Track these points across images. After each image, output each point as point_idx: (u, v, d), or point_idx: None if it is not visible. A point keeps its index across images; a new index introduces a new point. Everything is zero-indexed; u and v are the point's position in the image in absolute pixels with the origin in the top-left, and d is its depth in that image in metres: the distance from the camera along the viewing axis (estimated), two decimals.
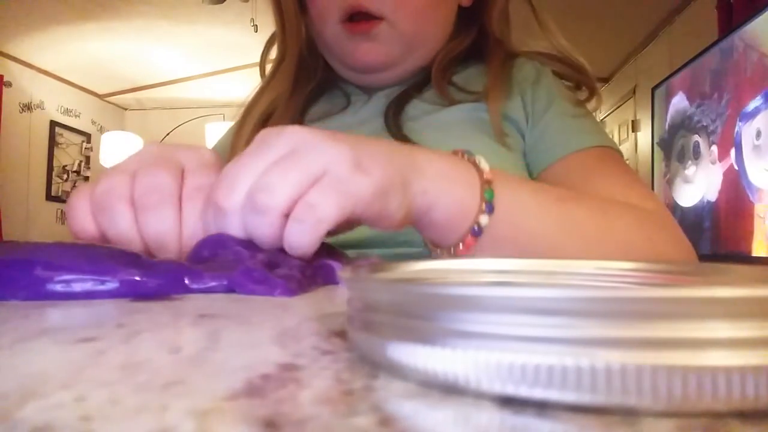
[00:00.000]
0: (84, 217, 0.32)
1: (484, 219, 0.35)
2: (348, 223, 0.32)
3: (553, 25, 0.63)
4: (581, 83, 0.64)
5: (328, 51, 0.65)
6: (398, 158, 0.33)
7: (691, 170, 2.11)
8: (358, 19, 0.57)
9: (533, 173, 0.57)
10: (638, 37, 3.27)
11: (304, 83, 0.69)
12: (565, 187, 0.47)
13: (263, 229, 0.29)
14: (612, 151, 0.56)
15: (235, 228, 0.30)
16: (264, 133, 0.32)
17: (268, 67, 0.71)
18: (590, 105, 0.62)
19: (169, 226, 0.31)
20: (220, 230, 0.30)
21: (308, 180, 0.29)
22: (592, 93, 0.62)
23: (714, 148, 1.92)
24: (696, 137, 2.06)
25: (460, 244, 0.36)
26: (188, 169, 0.34)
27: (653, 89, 2.51)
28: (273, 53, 0.70)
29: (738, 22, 1.89)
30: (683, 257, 0.45)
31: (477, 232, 0.35)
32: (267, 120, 0.65)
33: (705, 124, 1.98)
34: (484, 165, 0.36)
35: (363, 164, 0.30)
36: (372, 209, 0.31)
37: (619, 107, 3.75)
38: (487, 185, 0.35)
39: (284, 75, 0.66)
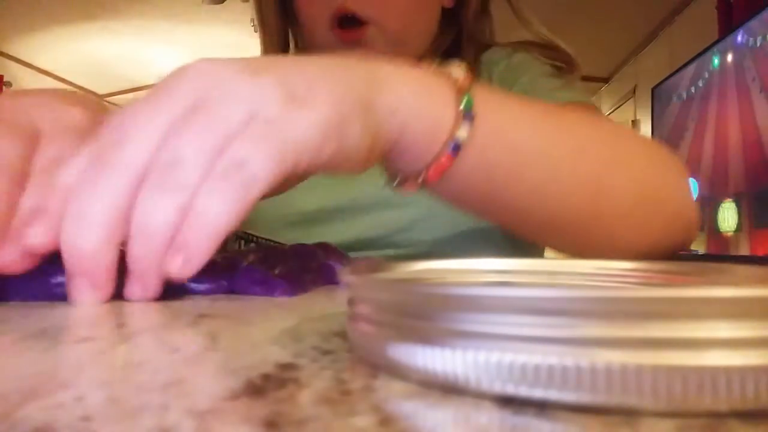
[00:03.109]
0: None
1: (463, 131, 0.28)
2: (295, 178, 0.24)
3: (529, 13, 0.62)
4: (559, 60, 0.62)
5: None
6: (352, 77, 0.26)
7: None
8: (346, 24, 0.57)
9: None
10: (638, 37, 3.27)
11: None
12: None
13: (166, 215, 0.21)
14: (590, 106, 0.52)
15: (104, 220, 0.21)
16: (162, 80, 0.24)
17: None
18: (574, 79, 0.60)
19: None
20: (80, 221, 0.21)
21: (229, 139, 0.22)
22: (571, 66, 0.59)
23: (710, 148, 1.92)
24: (693, 135, 2.06)
25: (431, 168, 0.28)
26: (46, 133, 0.26)
27: (653, 89, 2.51)
28: None
29: (738, 21, 1.89)
30: (676, 167, 0.40)
31: (454, 149, 0.28)
32: None
33: (704, 122, 1.98)
34: (459, 72, 0.29)
35: (301, 96, 0.23)
36: (324, 153, 0.23)
37: (619, 107, 3.74)
38: (464, 91, 0.28)
39: None
